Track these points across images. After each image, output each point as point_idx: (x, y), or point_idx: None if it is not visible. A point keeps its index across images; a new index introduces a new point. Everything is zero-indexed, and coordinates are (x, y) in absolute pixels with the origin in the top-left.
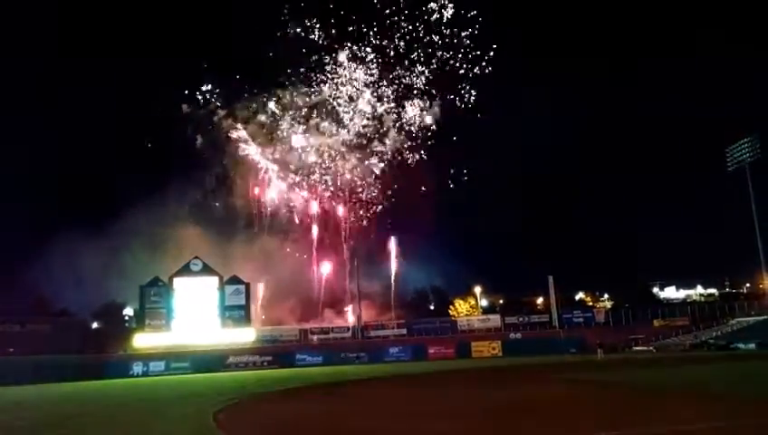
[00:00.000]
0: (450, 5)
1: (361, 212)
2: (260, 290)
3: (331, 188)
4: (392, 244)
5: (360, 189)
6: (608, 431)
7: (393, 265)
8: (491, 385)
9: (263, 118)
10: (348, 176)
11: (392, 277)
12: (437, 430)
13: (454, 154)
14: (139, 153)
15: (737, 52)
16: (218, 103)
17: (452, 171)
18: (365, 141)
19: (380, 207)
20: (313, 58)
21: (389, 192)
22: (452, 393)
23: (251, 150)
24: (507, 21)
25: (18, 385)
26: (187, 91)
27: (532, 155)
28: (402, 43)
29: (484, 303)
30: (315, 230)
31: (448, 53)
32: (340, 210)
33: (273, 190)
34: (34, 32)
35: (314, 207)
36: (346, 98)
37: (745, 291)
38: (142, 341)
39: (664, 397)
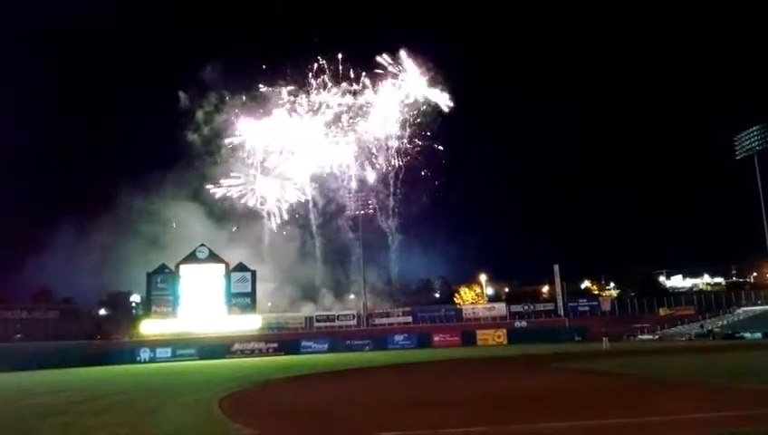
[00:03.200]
0: None
1: (369, 202)
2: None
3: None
4: (393, 232)
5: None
6: (606, 419)
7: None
8: (495, 374)
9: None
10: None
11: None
12: (443, 419)
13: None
14: (141, 141)
15: (746, 40)
16: (219, 94)
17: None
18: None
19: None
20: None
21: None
22: (456, 381)
23: (249, 139)
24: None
25: (24, 371)
26: (184, 79)
27: (538, 144)
28: None
29: (489, 291)
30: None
31: None
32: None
33: (273, 177)
34: (33, 28)
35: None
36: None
37: (752, 280)
38: (149, 327)
39: (665, 386)
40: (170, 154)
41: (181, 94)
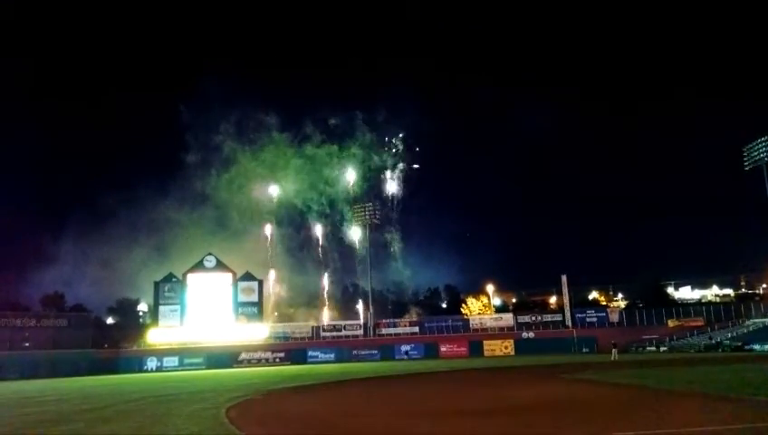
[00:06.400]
0: None
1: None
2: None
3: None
4: (400, 242)
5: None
6: (617, 432)
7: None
8: (504, 384)
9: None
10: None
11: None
12: (449, 429)
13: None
14: (147, 150)
15: (756, 50)
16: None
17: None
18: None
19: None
20: None
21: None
22: (463, 392)
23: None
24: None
25: (33, 380)
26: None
27: (544, 153)
28: None
29: (496, 301)
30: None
31: None
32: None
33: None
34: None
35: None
36: None
37: (761, 292)
38: (156, 336)
39: (676, 398)
40: (176, 164)
41: (182, 108)
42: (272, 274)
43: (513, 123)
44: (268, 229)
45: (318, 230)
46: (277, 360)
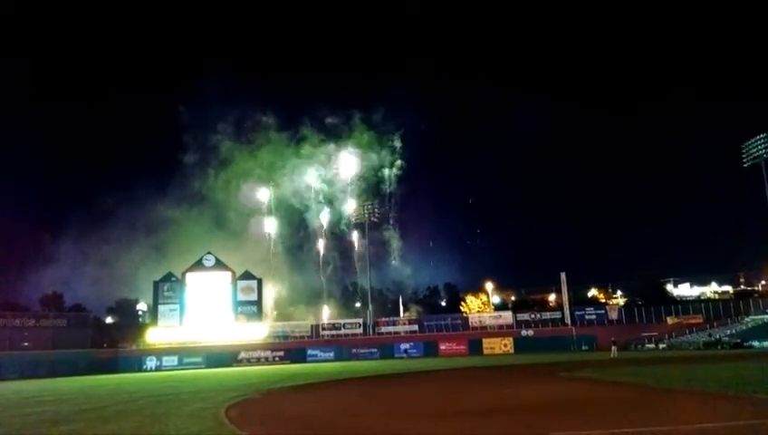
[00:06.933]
0: None
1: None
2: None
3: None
4: (399, 240)
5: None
6: (617, 429)
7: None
8: (504, 383)
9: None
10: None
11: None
12: (449, 429)
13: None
14: (146, 150)
15: (755, 47)
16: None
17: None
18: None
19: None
20: None
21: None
22: (463, 390)
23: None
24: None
25: (32, 379)
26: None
27: (542, 151)
28: None
29: (495, 299)
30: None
31: None
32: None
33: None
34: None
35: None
36: None
37: (760, 288)
38: (155, 336)
39: (676, 395)
40: (175, 164)
41: (181, 108)
42: (271, 271)
43: (513, 123)
44: (267, 228)
45: (317, 229)
46: (277, 359)
